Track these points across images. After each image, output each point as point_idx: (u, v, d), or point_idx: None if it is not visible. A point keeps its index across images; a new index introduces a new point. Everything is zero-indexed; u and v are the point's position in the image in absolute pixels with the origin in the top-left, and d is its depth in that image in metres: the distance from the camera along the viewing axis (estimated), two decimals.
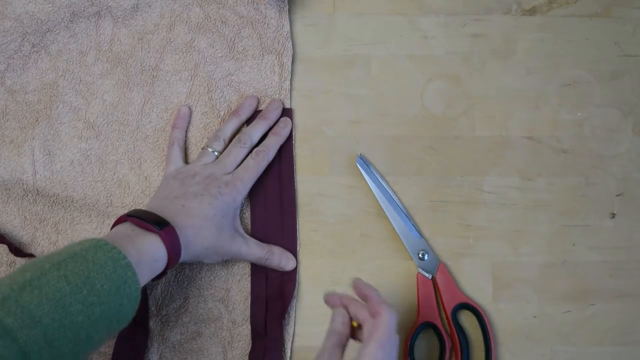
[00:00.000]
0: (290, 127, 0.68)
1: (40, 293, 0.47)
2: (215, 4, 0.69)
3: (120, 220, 0.58)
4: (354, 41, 0.70)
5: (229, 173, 0.64)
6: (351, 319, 0.55)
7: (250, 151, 0.66)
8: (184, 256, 0.59)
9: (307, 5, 0.70)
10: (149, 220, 0.56)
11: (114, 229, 0.58)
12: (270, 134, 0.67)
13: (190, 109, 0.68)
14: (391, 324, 0.52)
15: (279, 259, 0.65)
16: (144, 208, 0.60)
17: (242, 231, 0.65)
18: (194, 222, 0.60)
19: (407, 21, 0.70)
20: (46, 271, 0.49)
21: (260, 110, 0.68)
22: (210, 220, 0.60)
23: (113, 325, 0.52)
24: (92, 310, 0.49)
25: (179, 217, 0.59)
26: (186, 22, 0.69)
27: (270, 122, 0.67)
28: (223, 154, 0.66)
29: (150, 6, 0.69)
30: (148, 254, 0.55)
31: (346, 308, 0.55)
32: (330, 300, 0.57)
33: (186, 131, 0.68)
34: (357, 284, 0.56)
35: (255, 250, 0.63)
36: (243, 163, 0.65)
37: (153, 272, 0.56)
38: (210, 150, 0.66)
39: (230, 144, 0.66)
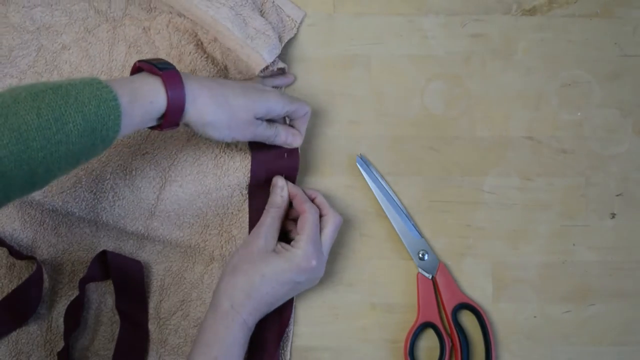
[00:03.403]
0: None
1: (5, 122, 0.45)
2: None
3: (133, 68, 0.57)
4: (354, 41, 0.70)
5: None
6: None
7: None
8: (192, 113, 0.56)
9: (307, 5, 0.70)
10: (153, 62, 0.54)
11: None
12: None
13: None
14: (315, 220, 0.61)
15: (285, 135, 0.63)
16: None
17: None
18: (206, 86, 0.56)
19: (407, 21, 0.70)
20: (21, 100, 0.46)
21: None
22: (230, 98, 0.58)
23: (81, 161, 0.50)
24: (57, 148, 0.47)
25: (195, 81, 0.56)
26: (189, 52, 0.68)
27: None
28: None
29: (159, 33, 0.67)
30: (144, 94, 0.53)
31: (293, 197, 0.63)
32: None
33: None
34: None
35: (265, 131, 0.61)
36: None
37: (148, 116, 0.53)
38: None
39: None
